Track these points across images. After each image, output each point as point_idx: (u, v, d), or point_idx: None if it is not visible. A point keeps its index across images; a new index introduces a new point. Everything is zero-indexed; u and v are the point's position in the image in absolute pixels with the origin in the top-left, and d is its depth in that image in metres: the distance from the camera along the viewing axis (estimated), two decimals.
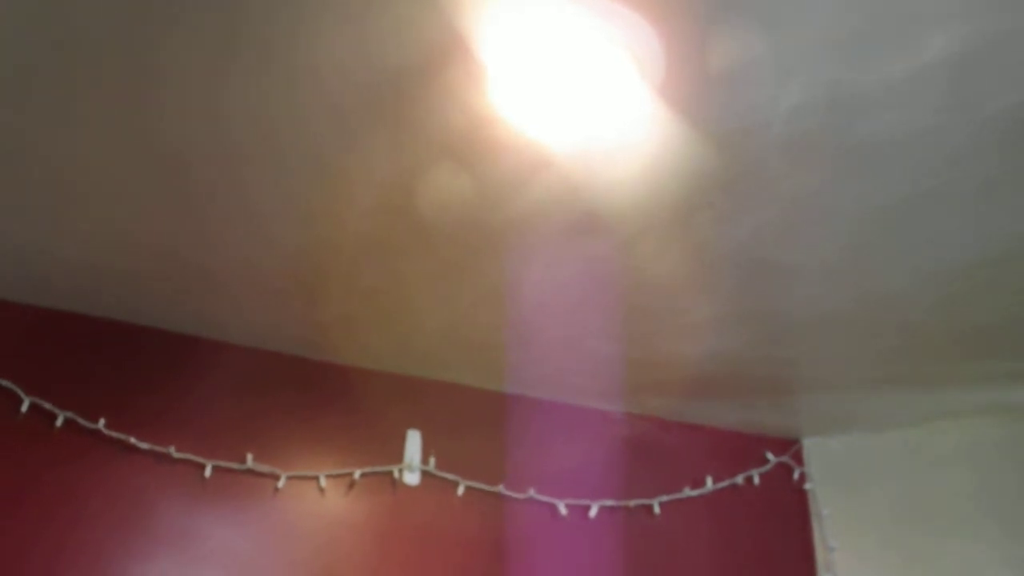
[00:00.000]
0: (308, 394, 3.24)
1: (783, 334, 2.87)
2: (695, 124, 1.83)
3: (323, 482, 3.10)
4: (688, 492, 3.65)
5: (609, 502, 3.50)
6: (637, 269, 2.47)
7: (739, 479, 3.77)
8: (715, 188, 2.06)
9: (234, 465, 2.98)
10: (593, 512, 3.45)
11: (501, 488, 3.34)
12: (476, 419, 3.49)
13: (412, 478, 3.24)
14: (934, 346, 2.89)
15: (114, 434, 2.85)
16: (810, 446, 3.96)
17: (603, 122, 1.83)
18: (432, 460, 3.29)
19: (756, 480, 3.80)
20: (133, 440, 2.86)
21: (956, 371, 3.12)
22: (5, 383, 2.79)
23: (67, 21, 1.60)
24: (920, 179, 1.97)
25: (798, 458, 3.92)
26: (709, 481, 3.70)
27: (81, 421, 2.83)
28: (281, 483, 3.03)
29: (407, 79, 1.72)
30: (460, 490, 3.29)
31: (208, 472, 2.94)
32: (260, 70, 1.70)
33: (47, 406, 2.81)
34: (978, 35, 1.53)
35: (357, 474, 3.16)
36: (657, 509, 3.57)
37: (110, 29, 1.62)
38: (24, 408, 2.78)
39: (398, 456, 3.26)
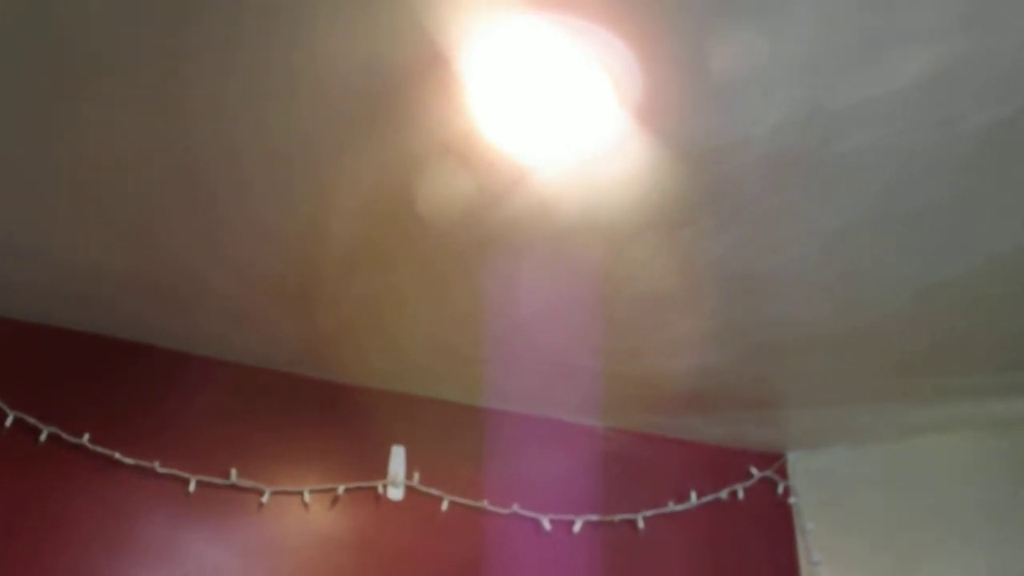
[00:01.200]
0: (292, 409, 3.24)
1: (767, 349, 2.89)
2: (674, 142, 1.85)
3: (307, 497, 3.09)
4: (672, 507, 3.66)
5: (593, 517, 3.50)
6: (620, 284, 2.49)
7: (723, 494, 3.78)
8: (696, 205, 2.08)
9: (218, 480, 2.98)
10: (577, 527, 3.45)
11: (485, 503, 3.35)
12: (460, 434, 3.49)
13: (396, 493, 3.25)
14: (915, 360, 2.91)
15: (98, 449, 2.85)
16: (794, 460, 3.98)
17: (583, 140, 1.85)
18: (416, 475, 3.29)
19: (740, 495, 3.81)
20: (117, 455, 2.86)
21: (939, 385, 3.14)
22: None
23: (66, 24, 1.61)
24: (899, 195, 1.99)
25: (782, 472, 3.93)
26: (693, 496, 3.71)
27: (65, 436, 2.82)
28: (265, 498, 3.02)
29: (395, 88, 1.73)
30: (444, 505, 3.29)
31: (192, 487, 2.93)
32: (259, 72, 1.69)
33: (31, 421, 2.80)
34: (954, 54, 1.56)
35: (341, 489, 3.16)
36: (641, 524, 3.58)
37: (112, 34, 1.62)
38: (8, 423, 2.77)
39: (382, 471, 3.26)
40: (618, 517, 3.55)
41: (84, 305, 2.83)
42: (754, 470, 3.87)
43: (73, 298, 2.78)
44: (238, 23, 1.58)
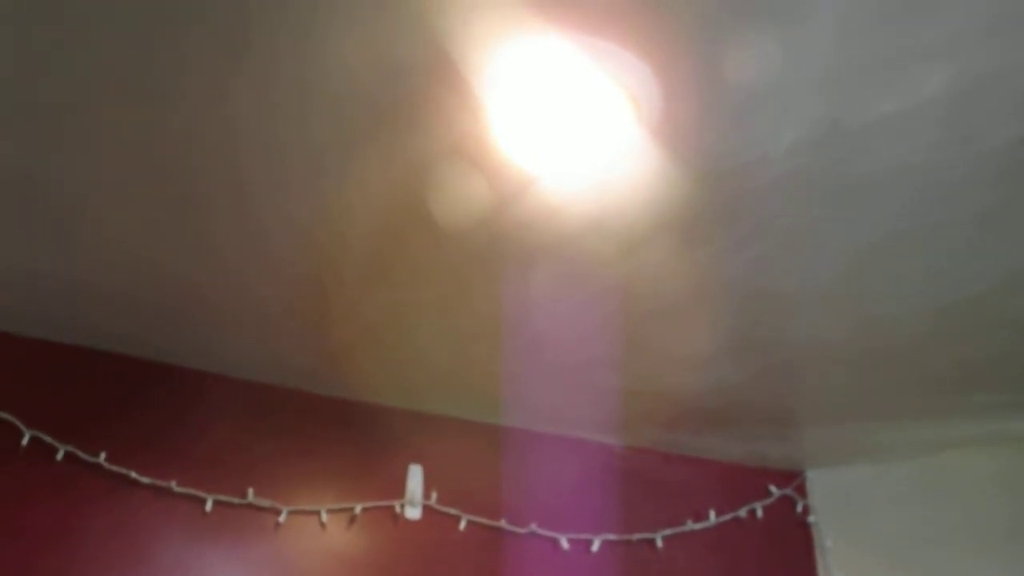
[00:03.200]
0: (309, 428, 3.23)
1: (785, 366, 2.87)
2: (691, 160, 1.84)
3: (324, 516, 3.08)
4: (691, 525, 3.63)
5: (611, 536, 3.48)
6: (637, 301, 2.48)
7: (742, 512, 3.75)
8: (714, 222, 2.07)
9: (235, 500, 2.97)
10: (595, 546, 3.43)
11: (503, 523, 3.33)
12: (477, 453, 3.48)
13: (414, 512, 3.23)
14: (935, 378, 2.89)
15: (115, 468, 2.84)
16: (813, 478, 3.95)
17: (599, 155, 1.85)
18: (434, 494, 3.27)
19: (759, 513, 3.79)
20: (134, 474, 2.85)
21: (958, 403, 3.11)
22: (6, 416, 2.78)
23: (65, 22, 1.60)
24: (916, 214, 1.98)
25: (801, 490, 3.90)
26: (712, 514, 3.68)
27: (82, 455, 2.82)
28: (282, 517, 3.01)
29: (407, 100, 1.72)
30: (462, 524, 3.27)
31: (209, 507, 2.92)
32: (265, 83, 1.69)
33: (48, 439, 2.80)
34: (971, 72, 1.55)
35: (358, 508, 3.14)
36: (660, 543, 3.55)
37: (108, 47, 1.62)
38: (25, 441, 2.77)
39: (400, 491, 3.25)
40: (636, 536, 3.53)
41: (100, 325, 2.83)
42: (773, 488, 3.85)
43: (90, 318, 2.78)
44: (243, 34, 1.57)
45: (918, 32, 1.47)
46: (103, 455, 2.84)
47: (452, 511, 3.27)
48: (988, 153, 1.77)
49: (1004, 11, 1.43)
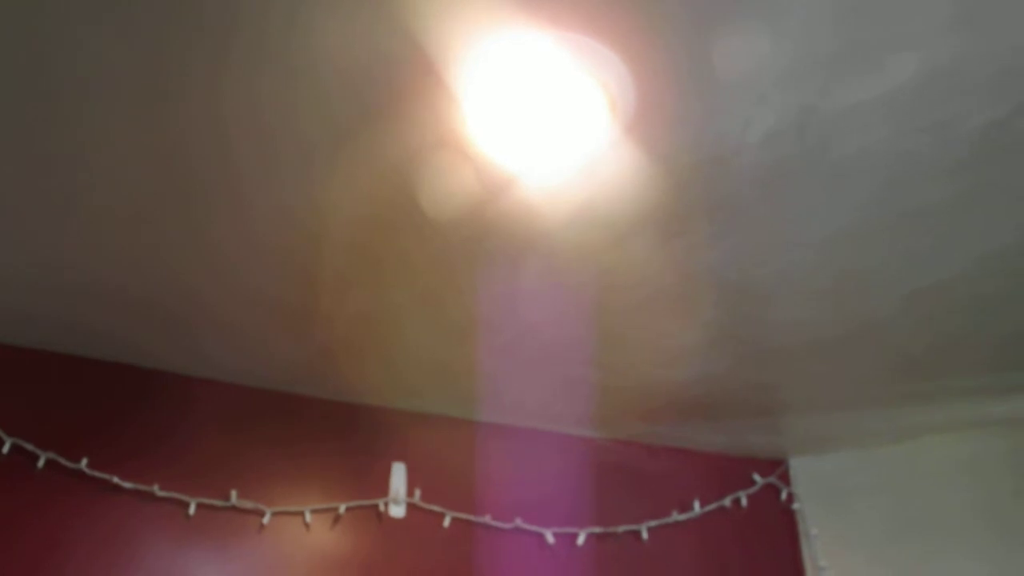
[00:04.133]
0: (291, 429, 3.23)
1: (766, 356, 2.89)
2: (667, 152, 1.85)
3: (308, 517, 3.08)
4: (676, 516, 3.64)
5: (596, 529, 3.49)
6: (616, 295, 2.49)
7: (727, 501, 3.77)
8: (691, 213, 2.08)
9: (218, 502, 2.97)
10: (581, 540, 3.44)
11: (487, 518, 3.33)
12: (460, 450, 3.48)
13: (398, 511, 3.23)
14: (913, 362, 2.91)
15: (97, 473, 2.84)
16: (797, 466, 3.97)
17: (577, 149, 1.86)
18: (417, 492, 3.27)
19: (744, 502, 3.80)
20: (116, 479, 2.85)
21: (938, 387, 3.13)
22: None
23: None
24: (893, 199, 2.00)
25: (785, 478, 3.92)
26: (696, 504, 3.69)
27: (63, 461, 2.81)
28: (266, 519, 3.01)
29: (390, 96, 1.72)
30: (446, 521, 3.27)
31: (192, 510, 2.92)
32: (252, 77, 1.69)
33: (29, 446, 2.79)
34: (945, 57, 1.57)
35: (342, 508, 3.14)
36: (645, 534, 3.56)
37: (99, 50, 1.62)
38: (5, 449, 2.76)
39: (383, 489, 3.25)
40: (622, 528, 3.54)
41: (80, 330, 2.83)
42: (757, 477, 3.86)
43: (69, 323, 2.77)
44: (231, 36, 1.58)
45: (887, 22, 1.49)
46: (84, 461, 2.83)
47: (436, 508, 3.28)
48: (959, 138, 1.79)
49: (968, 3, 1.45)
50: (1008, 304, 2.50)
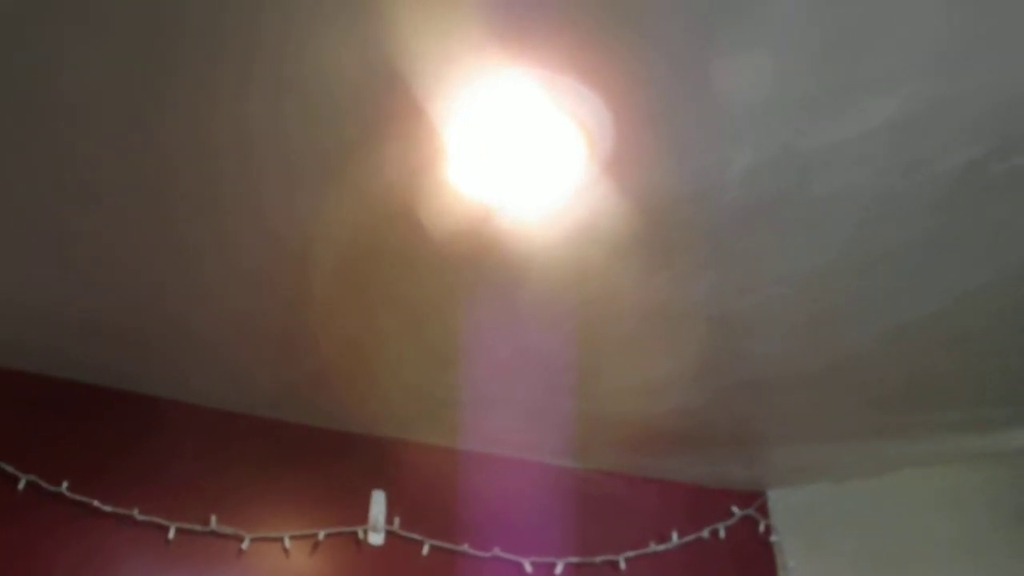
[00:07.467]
0: (272, 455, 3.24)
1: (744, 388, 2.91)
2: (646, 190, 1.87)
3: (288, 543, 3.08)
4: (654, 547, 3.65)
5: (574, 559, 3.49)
6: (596, 327, 2.51)
7: (705, 533, 3.78)
8: (671, 249, 2.10)
9: (198, 527, 2.97)
10: (559, 569, 3.44)
11: (466, 547, 3.34)
12: (440, 478, 3.49)
13: (377, 538, 3.23)
14: (892, 397, 2.93)
15: (77, 497, 2.84)
16: (775, 498, 3.99)
17: (555, 187, 1.88)
18: (397, 520, 3.28)
19: (722, 534, 3.81)
20: (96, 503, 2.85)
21: (916, 421, 3.16)
22: None
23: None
24: (871, 237, 2.02)
25: (763, 511, 3.94)
26: (675, 536, 3.71)
27: (44, 484, 2.81)
28: (245, 545, 3.01)
29: (373, 127, 1.74)
30: (425, 549, 3.28)
31: (172, 535, 2.92)
32: (239, 96, 1.68)
33: (9, 469, 2.79)
34: (923, 97, 1.58)
35: (322, 535, 3.14)
36: (623, 565, 3.57)
37: (80, 60, 1.60)
38: None
39: (363, 517, 3.25)
40: (600, 558, 3.55)
41: (63, 354, 2.83)
42: (735, 509, 3.88)
43: (52, 347, 2.78)
44: (217, 63, 1.58)
45: (865, 63, 1.51)
46: (65, 484, 2.83)
47: (415, 536, 3.28)
48: (937, 177, 1.80)
49: (945, 46, 1.47)
50: (985, 341, 2.52)
